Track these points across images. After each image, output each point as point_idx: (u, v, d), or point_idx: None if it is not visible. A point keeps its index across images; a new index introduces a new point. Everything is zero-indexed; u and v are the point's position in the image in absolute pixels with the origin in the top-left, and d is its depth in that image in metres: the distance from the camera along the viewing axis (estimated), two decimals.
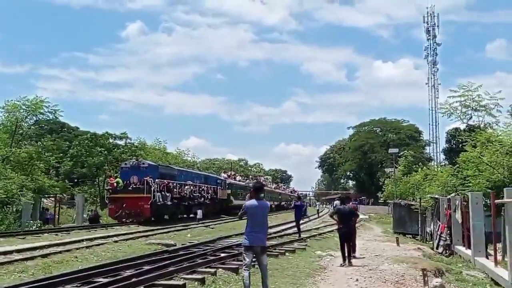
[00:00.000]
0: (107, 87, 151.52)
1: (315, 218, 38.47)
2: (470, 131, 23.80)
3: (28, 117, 28.42)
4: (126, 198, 25.67)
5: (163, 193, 26.89)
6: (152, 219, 26.12)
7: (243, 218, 8.09)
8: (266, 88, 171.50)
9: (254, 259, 7.62)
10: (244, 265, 7.56)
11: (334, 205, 33.17)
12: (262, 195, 8.29)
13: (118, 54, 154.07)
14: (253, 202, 7.79)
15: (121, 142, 49.21)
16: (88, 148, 42.58)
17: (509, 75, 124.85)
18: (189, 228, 23.21)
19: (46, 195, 28.13)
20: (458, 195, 19.02)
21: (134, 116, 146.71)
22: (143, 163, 28.07)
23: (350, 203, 14.41)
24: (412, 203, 26.23)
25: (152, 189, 25.74)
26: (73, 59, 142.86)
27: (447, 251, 18.47)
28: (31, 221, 23.16)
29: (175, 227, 23.39)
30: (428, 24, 71.15)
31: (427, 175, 28.88)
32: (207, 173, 41.39)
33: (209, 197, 35.06)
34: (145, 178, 25.90)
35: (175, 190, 28.81)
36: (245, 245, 7.67)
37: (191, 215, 31.13)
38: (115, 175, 31.32)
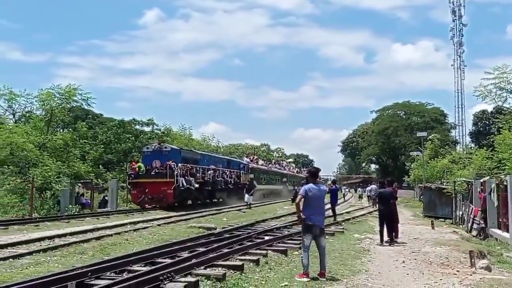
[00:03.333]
0: (125, 74, 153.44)
1: (341, 202, 38.63)
2: (498, 113, 23.57)
3: (62, 105, 29.01)
4: (148, 183, 25.20)
5: (186, 177, 26.31)
6: (175, 204, 25.62)
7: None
8: (283, 73, 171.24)
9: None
10: (304, 246, 8.06)
11: (370, 189, 33.63)
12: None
13: (135, 41, 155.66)
14: (312, 185, 8.14)
15: (148, 129, 50.05)
16: (117, 135, 43.37)
17: None
18: (223, 212, 23.67)
19: (82, 181, 28.81)
20: (492, 178, 19.00)
21: (152, 102, 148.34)
22: (165, 147, 27.43)
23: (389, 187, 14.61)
24: (443, 186, 26.21)
25: (175, 173, 25.12)
26: (91, 47, 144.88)
27: (482, 234, 18.54)
28: (70, 206, 23.90)
29: (209, 211, 23.87)
30: (453, 5, 69.94)
31: (460, 158, 28.71)
32: (229, 157, 40.63)
33: (232, 181, 34.42)
34: (167, 163, 25.34)
35: (198, 174, 28.21)
36: (305, 227, 8.07)
37: (214, 200, 31.22)
38: (136, 159, 31.11)
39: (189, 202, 28.32)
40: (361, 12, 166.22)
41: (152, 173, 25.69)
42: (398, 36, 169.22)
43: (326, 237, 13.70)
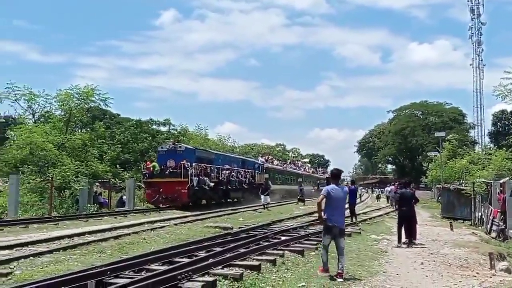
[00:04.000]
0: (142, 74, 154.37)
1: (358, 203, 38.37)
2: None
3: (80, 105, 29.38)
4: (162, 182, 25.09)
5: (200, 177, 26.14)
6: (190, 204, 25.34)
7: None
8: (298, 73, 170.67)
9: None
10: (323, 244, 8.48)
11: (390, 190, 33.39)
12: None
13: (152, 41, 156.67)
14: (334, 186, 8.30)
15: (165, 128, 50.42)
16: (134, 135, 43.76)
17: None
18: (239, 212, 23.70)
19: (100, 180, 29.13)
20: None
21: (169, 102, 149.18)
22: (180, 147, 27.28)
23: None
24: (462, 187, 25.86)
25: (189, 173, 24.91)
26: (109, 47, 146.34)
27: (501, 236, 18.28)
28: (89, 205, 24.21)
29: (224, 211, 23.91)
30: (472, 3, 69.00)
31: (479, 159, 28.29)
32: (244, 157, 40.32)
33: (247, 181, 34.02)
34: (181, 162, 25.12)
35: (212, 174, 28.04)
36: (325, 228, 8.34)
37: (229, 200, 31.14)
38: (152, 159, 31.01)
39: (204, 202, 28.12)
40: (377, 11, 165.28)
41: (167, 172, 25.54)
42: (415, 35, 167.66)
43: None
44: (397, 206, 14.18)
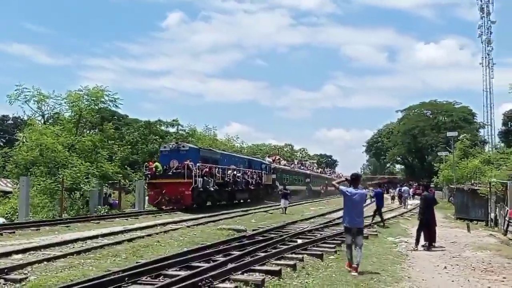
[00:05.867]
0: (149, 75, 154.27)
1: (368, 203, 37.94)
2: None
3: (90, 106, 29.24)
4: (165, 183, 24.24)
5: (205, 178, 25.22)
6: (194, 206, 24.77)
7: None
8: (305, 73, 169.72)
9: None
10: (346, 244, 9.12)
11: (402, 190, 33.06)
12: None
13: (158, 43, 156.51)
14: (353, 190, 8.96)
15: (173, 129, 50.27)
16: (143, 136, 43.61)
17: None
18: (250, 214, 23.43)
19: (110, 182, 28.96)
20: None
21: (176, 103, 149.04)
22: (183, 146, 26.48)
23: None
24: (477, 188, 25.42)
25: (193, 174, 24.12)
26: (115, 49, 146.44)
27: None
28: (99, 207, 24.06)
29: (235, 212, 23.65)
30: (481, 1, 68.29)
31: (495, 159, 27.80)
32: (251, 157, 39.41)
33: (254, 182, 33.26)
34: (185, 162, 24.30)
35: (217, 175, 27.26)
36: (345, 227, 9.21)
37: (235, 201, 30.52)
38: (154, 159, 30.46)
39: (209, 203, 27.26)
40: (383, 11, 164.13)
41: (170, 173, 24.79)
42: (422, 34, 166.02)
43: None
44: (419, 210, 13.76)
